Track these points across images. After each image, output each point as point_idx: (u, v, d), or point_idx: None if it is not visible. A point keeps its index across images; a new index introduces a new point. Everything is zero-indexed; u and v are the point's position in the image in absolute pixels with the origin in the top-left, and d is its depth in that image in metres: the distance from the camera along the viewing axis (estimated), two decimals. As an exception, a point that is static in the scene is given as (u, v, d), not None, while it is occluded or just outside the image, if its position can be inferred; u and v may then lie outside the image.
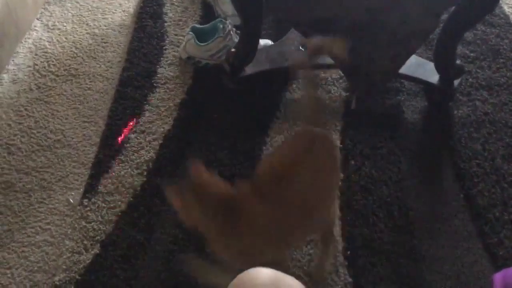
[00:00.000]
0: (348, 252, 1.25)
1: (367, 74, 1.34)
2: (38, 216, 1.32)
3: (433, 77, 1.53)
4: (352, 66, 1.36)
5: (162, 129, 1.49)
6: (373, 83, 1.38)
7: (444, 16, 1.47)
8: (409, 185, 1.38)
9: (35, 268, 1.23)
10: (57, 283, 1.19)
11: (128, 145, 1.45)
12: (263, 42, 1.65)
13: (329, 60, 1.44)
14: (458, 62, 1.51)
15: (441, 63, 1.51)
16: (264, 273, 0.75)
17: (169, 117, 1.53)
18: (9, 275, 1.22)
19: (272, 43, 1.68)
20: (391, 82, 1.61)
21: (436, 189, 1.40)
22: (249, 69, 1.57)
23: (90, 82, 1.64)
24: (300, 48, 1.64)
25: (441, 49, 1.50)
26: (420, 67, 1.55)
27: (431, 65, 1.53)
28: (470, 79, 1.64)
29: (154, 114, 1.53)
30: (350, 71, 1.40)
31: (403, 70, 1.44)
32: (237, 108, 1.56)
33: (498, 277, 1.08)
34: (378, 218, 1.31)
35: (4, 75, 1.64)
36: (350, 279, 1.21)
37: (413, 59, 1.49)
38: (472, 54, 1.71)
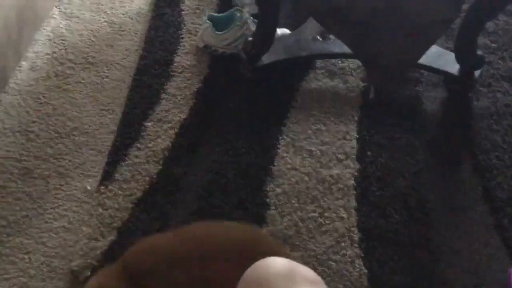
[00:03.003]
0: (364, 243, 1.24)
1: (386, 64, 1.32)
2: (55, 203, 1.33)
3: (453, 68, 1.51)
4: (371, 56, 1.34)
5: (178, 118, 1.49)
6: (392, 73, 1.37)
7: (466, 6, 1.44)
8: (426, 177, 1.37)
9: (53, 254, 1.24)
10: (74, 268, 1.20)
11: (144, 133, 1.46)
12: (280, 31, 1.64)
13: (346, 49, 1.42)
14: (479, 52, 1.49)
15: (461, 53, 1.48)
16: (279, 262, 0.75)
17: (185, 106, 1.53)
18: (27, 260, 1.23)
19: (290, 32, 1.67)
20: (410, 72, 1.59)
21: (454, 181, 1.38)
22: (266, 59, 1.56)
23: (107, 70, 1.64)
24: (318, 37, 1.63)
25: (462, 39, 1.47)
26: (440, 57, 1.53)
27: (451, 55, 1.51)
28: (491, 70, 1.61)
29: (170, 103, 1.53)
30: (369, 60, 1.38)
31: (423, 60, 1.41)
32: (254, 98, 1.56)
33: (516, 271, 1.07)
34: (395, 209, 1.30)
35: (23, 63, 1.65)
36: (365, 270, 1.20)
37: (433, 49, 1.46)
38: (493, 45, 1.68)
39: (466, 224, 1.28)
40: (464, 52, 1.48)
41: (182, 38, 1.72)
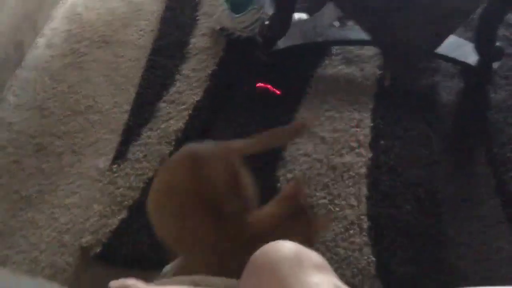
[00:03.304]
0: (373, 232, 1.24)
1: (404, 52, 1.31)
2: (68, 179, 1.35)
3: (472, 58, 1.49)
4: (389, 43, 1.33)
5: (192, 100, 1.49)
6: (409, 61, 1.35)
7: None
8: (439, 168, 1.36)
9: (64, 230, 1.26)
10: (85, 244, 1.22)
11: (158, 114, 1.46)
12: (297, 15, 1.63)
13: (363, 36, 1.41)
14: (498, 44, 1.46)
15: (481, 44, 1.46)
16: (287, 247, 0.75)
17: (199, 88, 1.52)
18: (38, 235, 1.25)
19: (307, 17, 1.65)
20: (427, 62, 1.57)
21: (467, 173, 1.37)
22: (282, 43, 1.55)
23: (122, 49, 1.64)
24: (335, 23, 1.61)
25: (482, 30, 1.45)
26: (458, 47, 1.50)
27: (470, 46, 1.48)
28: (510, 62, 1.57)
29: (184, 84, 1.53)
30: (387, 47, 1.37)
31: (441, 49, 1.40)
32: (268, 82, 1.55)
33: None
34: (405, 199, 1.29)
35: (40, 39, 1.66)
36: (373, 258, 1.20)
37: (452, 39, 1.44)
38: (513, 37, 1.65)
39: (477, 217, 1.27)
40: (484, 43, 1.46)
41: (198, 19, 1.71)
